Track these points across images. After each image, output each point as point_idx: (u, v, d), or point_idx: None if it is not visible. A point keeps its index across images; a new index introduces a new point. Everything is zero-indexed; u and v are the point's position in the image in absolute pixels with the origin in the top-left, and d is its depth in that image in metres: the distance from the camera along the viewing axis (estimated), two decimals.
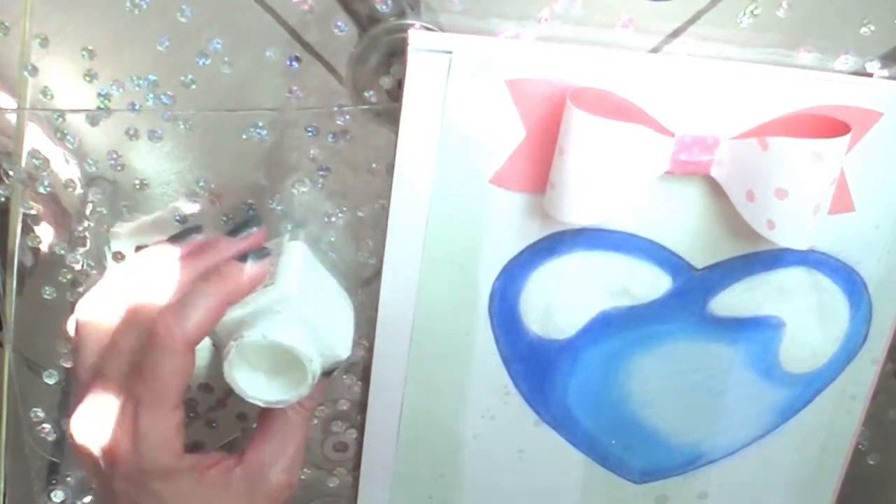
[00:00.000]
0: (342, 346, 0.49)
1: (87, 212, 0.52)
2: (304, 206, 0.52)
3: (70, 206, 0.52)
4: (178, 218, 0.52)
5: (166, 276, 0.48)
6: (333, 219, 0.52)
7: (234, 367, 0.46)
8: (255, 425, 0.57)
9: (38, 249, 0.53)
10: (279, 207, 0.52)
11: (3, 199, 0.52)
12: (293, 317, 0.47)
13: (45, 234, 0.53)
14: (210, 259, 0.48)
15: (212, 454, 0.49)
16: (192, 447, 0.47)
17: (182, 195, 0.52)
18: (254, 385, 0.47)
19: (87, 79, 0.49)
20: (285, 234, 0.52)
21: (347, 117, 0.51)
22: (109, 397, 0.46)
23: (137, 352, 0.45)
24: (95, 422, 0.46)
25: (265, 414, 0.50)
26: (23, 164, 0.51)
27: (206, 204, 0.52)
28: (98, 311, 0.47)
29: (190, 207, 0.52)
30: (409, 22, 0.48)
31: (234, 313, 0.47)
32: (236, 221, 0.52)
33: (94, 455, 0.47)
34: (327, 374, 0.51)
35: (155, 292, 0.47)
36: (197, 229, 0.50)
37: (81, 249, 0.53)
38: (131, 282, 0.47)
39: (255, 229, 0.48)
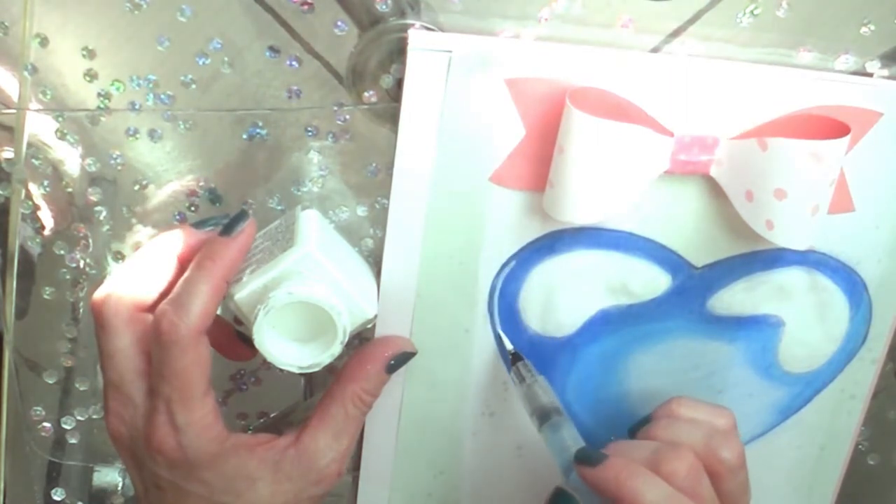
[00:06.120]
0: (368, 302, 0.49)
1: (88, 212, 0.52)
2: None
3: (70, 206, 0.52)
4: (177, 218, 0.52)
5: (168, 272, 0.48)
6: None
7: (263, 333, 0.46)
8: (258, 422, 0.58)
9: (39, 249, 0.53)
10: (279, 207, 0.52)
11: (2, 199, 0.52)
12: (316, 274, 0.46)
13: (45, 234, 0.53)
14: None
15: (260, 434, 0.49)
16: None
17: (182, 195, 0.52)
18: (285, 352, 0.47)
19: (87, 79, 0.49)
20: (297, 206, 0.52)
21: (347, 117, 0.51)
22: (139, 397, 0.47)
23: (152, 351, 0.45)
24: (131, 422, 0.47)
25: (324, 402, 0.50)
26: (23, 164, 0.51)
27: (205, 204, 0.52)
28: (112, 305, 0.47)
29: (190, 207, 0.52)
30: (409, 22, 0.48)
31: (257, 281, 0.46)
32: (227, 220, 0.51)
33: (138, 454, 0.47)
34: (394, 367, 0.51)
35: (153, 288, 0.47)
36: (244, 216, 0.48)
37: (81, 250, 0.53)
38: (139, 277, 0.48)
39: (245, 223, 0.48)
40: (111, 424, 0.47)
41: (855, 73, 0.52)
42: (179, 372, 0.44)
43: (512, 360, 0.54)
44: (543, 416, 0.51)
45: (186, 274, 0.46)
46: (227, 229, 0.46)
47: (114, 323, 0.46)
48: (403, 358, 0.52)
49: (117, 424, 0.47)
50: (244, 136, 0.51)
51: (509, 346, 0.54)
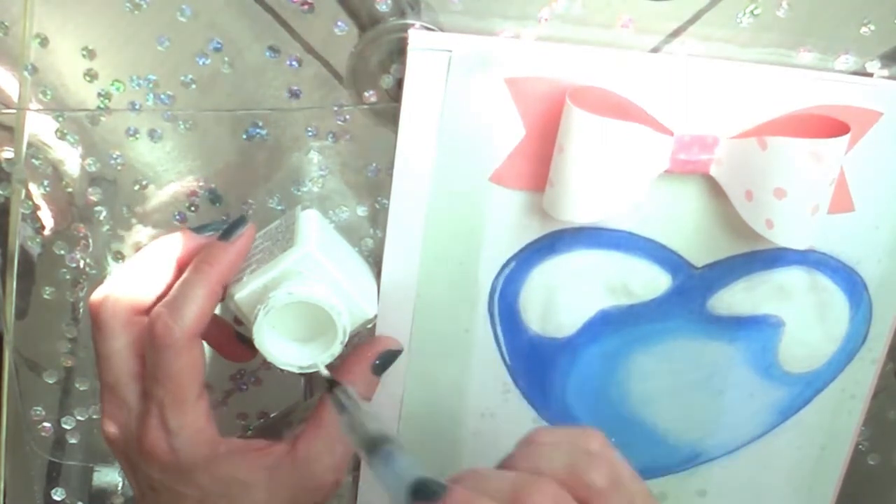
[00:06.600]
0: (368, 302, 0.49)
1: (88, 212, 0.52)
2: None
3: (70, 206, 0.52)
4: (177, 218, 0.52)
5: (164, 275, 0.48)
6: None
7: (263, 333, 0.46)
8: (257, 422, 0.58)
9: (39, 249, 0.53)
10: (279, 207, 0.52)
11: (2, 199, 0.52)
12: (316, 274, 0.46)
13: (45, 234, 0.53)
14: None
15: (256, 440, 0.49)
16: None
17: (182, 195, 0.52)
18: (285, 352, 0.47)
19: (87, 79, 0.49)
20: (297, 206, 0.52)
21: (347, 117, 0.51)
22: (133, 400, 0.46)
23: (146, 353, 0.45)
24: (125, 425, 0.47)
25: (318, 410, 0.49)
26: (23, 164, 0.51)
27: (205, 204, 0.52)
28: (110, 307, 0.47)
29: (190, 207, 0.52)
30: (409, 22, 0.48)
31: (257, 281, 0.46)
32: (226, 225, 0.51)
33: (132, 457, 0.47)
34: (380, 367, 0.51)
35: (150, 291, 0.47)
36: (242, 221, 0.48)
37: (81, 250, 0.53)
38: (137, 279, 0.48)
39: (244, 228, 0.48)
40: (106, 427, 0.47)
41: (855, 73, 0.52)
42: (173, 375, 0.44)
43: (328, 386, 0.47)
44: (371, 447, 0.41)
45: (183, 277, 0.46)
46: (226, 234, 0.46)
47: (111, 325, 0.46)
48: (388, 357, 0.51)
49: (112, 427, 0.47)
50: (244, 136, 0.51)
51: (325, 371, 0.47)
